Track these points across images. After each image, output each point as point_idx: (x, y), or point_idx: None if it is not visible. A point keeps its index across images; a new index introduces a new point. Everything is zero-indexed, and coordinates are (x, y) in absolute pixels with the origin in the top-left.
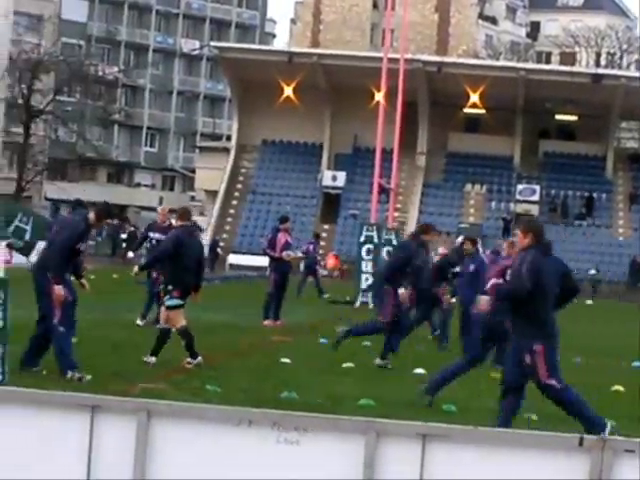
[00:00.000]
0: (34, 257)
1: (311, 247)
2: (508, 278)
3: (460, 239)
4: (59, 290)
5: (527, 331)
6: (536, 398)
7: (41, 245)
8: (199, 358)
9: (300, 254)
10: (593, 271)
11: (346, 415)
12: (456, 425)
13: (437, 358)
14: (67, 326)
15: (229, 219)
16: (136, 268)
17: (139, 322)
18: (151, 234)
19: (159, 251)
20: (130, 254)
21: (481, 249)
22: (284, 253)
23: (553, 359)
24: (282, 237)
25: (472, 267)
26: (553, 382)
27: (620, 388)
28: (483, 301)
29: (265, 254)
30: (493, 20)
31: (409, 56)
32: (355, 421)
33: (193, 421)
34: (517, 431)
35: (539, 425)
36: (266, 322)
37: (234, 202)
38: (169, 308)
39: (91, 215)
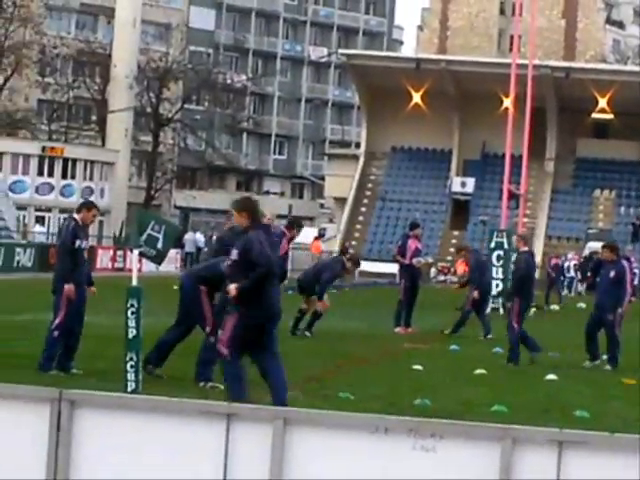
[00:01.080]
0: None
1: None
2: None
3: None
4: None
5: None
6: None
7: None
8: None
9: (430, 260)
10: None
11: (479, 421)
12: (592, 432)
13: (568, 364)
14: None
15: (358, 226)
16: None
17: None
18: None
19: None
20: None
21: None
22: (414, 260)
23: None
24: (412, 244)
25: (613, 273)
26: None
27: None
28: None
29: (395, 261)
30: (620, 24)
31: (537, 62)
32: (491, 428)
33: (329, 429)
34: None
35: None
36: (397, 329)
37: (363, 209)
38: None
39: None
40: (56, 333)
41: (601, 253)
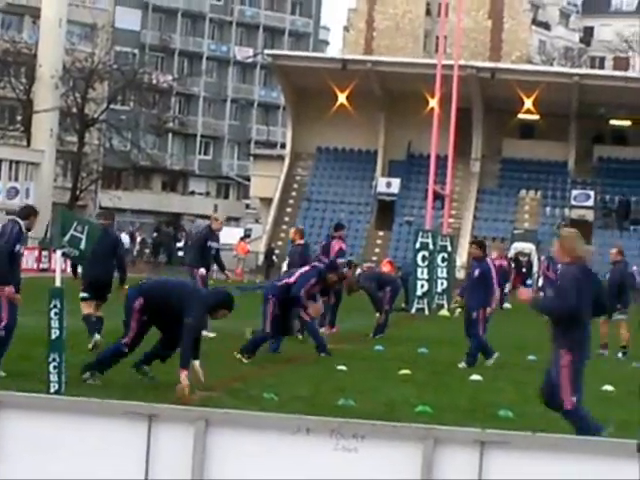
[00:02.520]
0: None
1: None
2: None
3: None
4: None
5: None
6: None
7: None
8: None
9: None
10: None
11: (403, 422)
12: (514, 431)
13: (493, 365)
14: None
15: (284, 227)
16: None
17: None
18: (210, 243)
19: None
20: (202, 271)
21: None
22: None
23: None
24: (336, 244)
25: (477, 272)
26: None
27: None
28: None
29: (319, 261)
30: (546, 26)
31: (463, 62)
32: (413, 428)
33: (251, 429)
34: (576, 437)
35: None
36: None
37: (289, 209)
38: None
39: None
40: (2, 333)
41: (469, 249)
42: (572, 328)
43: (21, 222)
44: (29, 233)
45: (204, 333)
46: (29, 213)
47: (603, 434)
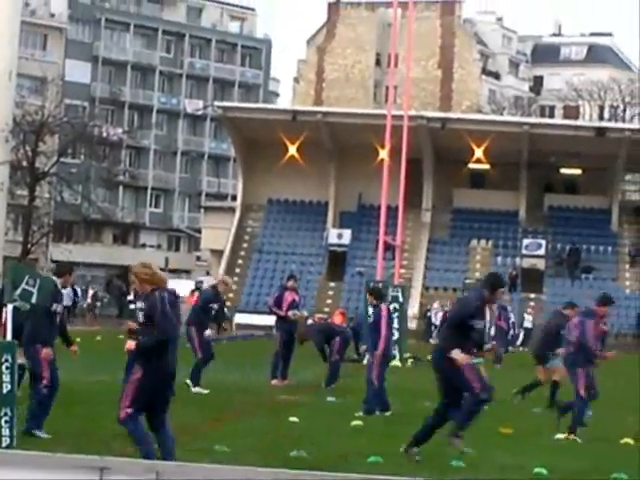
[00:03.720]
0: None
1: None
2: None
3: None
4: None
5: None
6: (547, 452)
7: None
8: None
9: (306, 313)
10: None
11: (356, 473)
12: None
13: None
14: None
15: (235, 278)
16: None
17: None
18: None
19: None
20: (208, 332)
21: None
22: (290, 312)
23: None
24: (289, 296)
25: (371, 319)
26: None
27: (630, 441)
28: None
29: (272, 312)
30: (496, 75)
31: (413, 113)
32: (365, 479)
33: None
34: None
35: (547, 479)
36: (274, 382)
37: (240, 261)
38: None
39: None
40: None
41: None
42: None
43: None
44: None
45: (198, 390)
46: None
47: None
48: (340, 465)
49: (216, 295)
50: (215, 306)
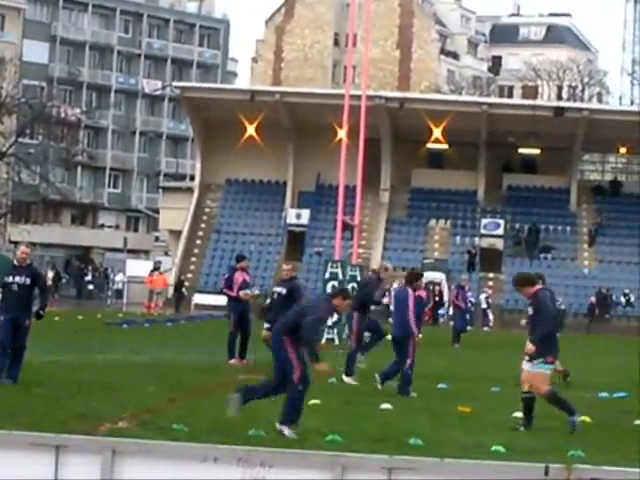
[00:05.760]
0: None
1: None
2: None
3: None
4: None
5: None
6: (503, 430)
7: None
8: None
9: (257, 292)
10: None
11: (313, 451)
12: (421, 457)
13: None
14: None
15: (193, 259)
16: None
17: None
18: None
19: None
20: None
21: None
22: (241, 292)
23: None
24: (239, 276)
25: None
26: None
27: (587, 419)
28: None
29: (223, 293)
30: (455, 55)
31: (371, 92)
32: (320, 455)
33: (158, 459)
34: (484, 462)
35: (506, 456)
36: (232, 361)
37: (198, 242)
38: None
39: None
40: None
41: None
42: None
43: None
44: None
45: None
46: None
47: None
48: (298, 443)
49: (378, 280)
50: (376, 292)
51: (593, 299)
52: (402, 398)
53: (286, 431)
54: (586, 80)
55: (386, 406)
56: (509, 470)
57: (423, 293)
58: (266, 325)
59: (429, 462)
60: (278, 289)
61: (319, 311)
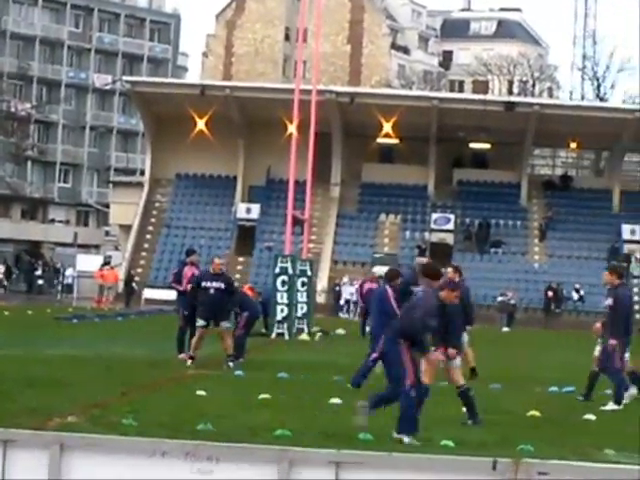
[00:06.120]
0: None
1: None
2: None
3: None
4: None
5: None
6: (453, 425)
7: None
8: None
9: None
10: (500, 298)
11: (261, 445)
12: (369, 452)
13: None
14: None
15: (144, 253)
16: None
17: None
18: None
19: None
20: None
21: None
22: (189, 287)
23: None
24: (188, 271)
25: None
26: None
27: (536, 413)
28: None
29: (171, 288)
30: (405, 50)
31: (321, 87)
32: (268, 450)
33: (106, 453)
34: (431, 456)
35: (454, 450)
36: (181, 356)
37: (148, 236)
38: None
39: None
40: None
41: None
42: None
43: None
44: None
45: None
46: None
47: None
48: (247, 438)
49: (415, 277)
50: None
51: (550, 294)
52: (352, 392)
53: (406, 439)
54: (537, 75)
55: (336, 400)
56: (457, 464)
57: (374, 286)
58: (202, 322)
59: (377, 456)
60: (215, 284)
61: (424, 302)
